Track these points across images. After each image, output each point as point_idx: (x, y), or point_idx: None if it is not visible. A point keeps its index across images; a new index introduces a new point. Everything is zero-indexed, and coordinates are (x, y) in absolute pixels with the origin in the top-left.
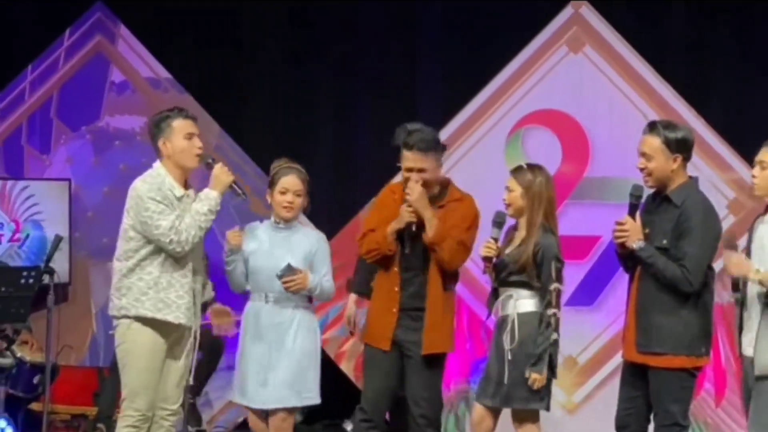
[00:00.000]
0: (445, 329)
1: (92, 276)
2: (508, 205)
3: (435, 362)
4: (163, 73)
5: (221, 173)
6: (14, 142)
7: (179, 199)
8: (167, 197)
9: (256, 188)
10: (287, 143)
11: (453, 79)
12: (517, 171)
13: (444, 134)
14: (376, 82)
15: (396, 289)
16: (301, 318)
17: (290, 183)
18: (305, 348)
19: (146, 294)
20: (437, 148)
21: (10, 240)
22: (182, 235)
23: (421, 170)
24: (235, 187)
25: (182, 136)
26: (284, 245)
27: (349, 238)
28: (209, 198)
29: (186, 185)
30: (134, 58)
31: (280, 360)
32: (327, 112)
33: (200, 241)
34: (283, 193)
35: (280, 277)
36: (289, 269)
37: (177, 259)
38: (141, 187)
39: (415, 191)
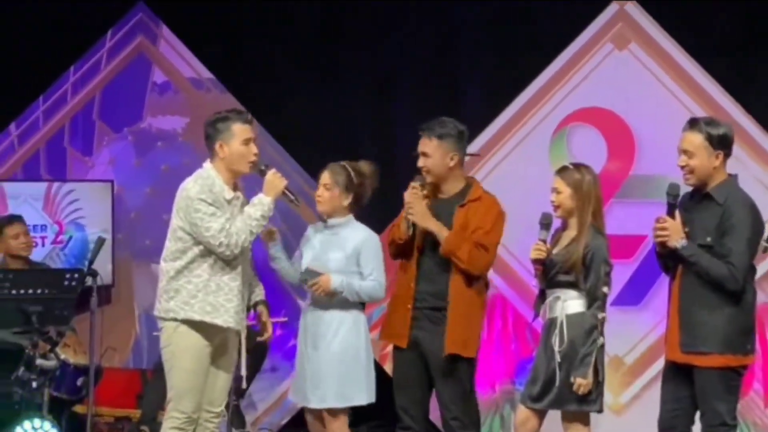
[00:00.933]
0: (469, 330)
1: (135, 278)
2: (556, 207)
3: (461, 363)
4: (205, 73)
5: (274, 179)
6: (57, 143)
7: (229, 201)
8: (218, 199)
9: (298, 190)
10: (329, 145)
11: (497, 78)
12: (563, 171)
13: (488, 133)
14: (418, 83)
15: (412, 284)
16: (346, 319)
17: (322, 177)
18: (351, 349)
19: (195, 297)
20: (447, 138)
21: (54, 242)
22: (233, 238)
23: (424, 154)
24: (288, 193)
25: (240, 141)
26: (334, 243)
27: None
28: (262, 203)
29: (235, 187)
30: (176, 59)
31: (327, 361)
32: (367, 113)
33: (249, 245)
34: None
35: (302, 281)
36: (309, 273)
37: (226, 262)
38: (191, 188)
39: (417, 208)
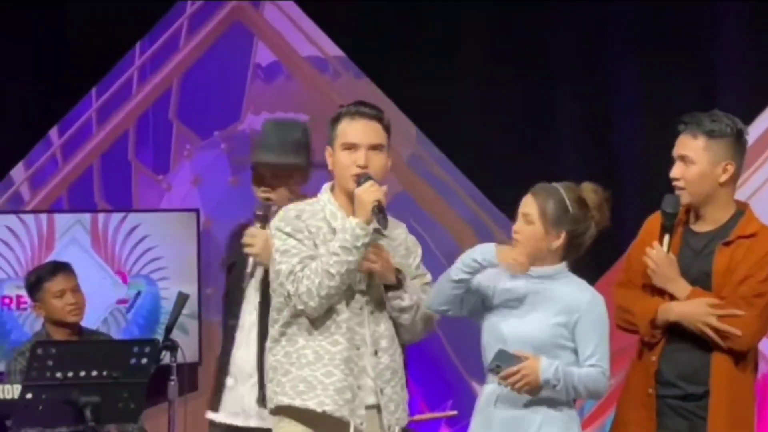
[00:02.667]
0: (738, 428)
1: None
2: None
3: None
4: (333, 49)
5: (363, 192)
6: (117, 156)
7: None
8: (303, 229)
9: (469, 216)
10: (516, 155)
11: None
12: None
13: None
14: (644, 70)
15: (654, 359)
16: (555, 420)
17: (522, 204)
18: None
19: (288, 373)
20: (721, 139)
21: (118, 302)
22: (301, 285)
23: (683, 158)
24: (378, 211)
25: (340, 146)
26: (536, 300)
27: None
28: (344, 229)
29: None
30: (290, 29)
31: None
32: (573, 107)
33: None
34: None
35: (491, 370)
36: (504, 357)
37: (322, 319)
38: (277, 215)
39: (663, 269)
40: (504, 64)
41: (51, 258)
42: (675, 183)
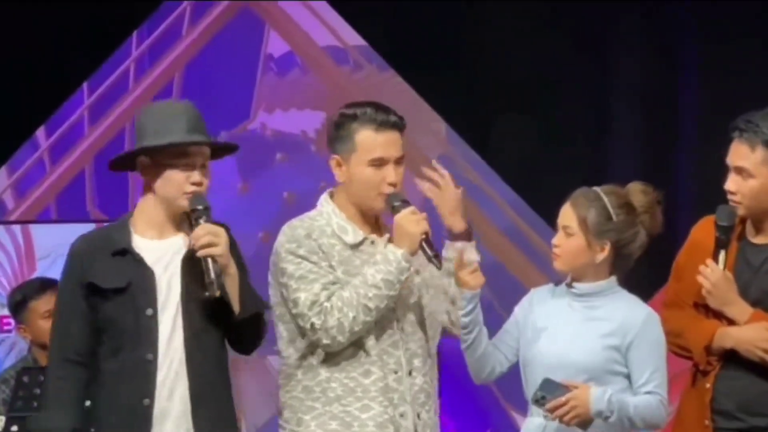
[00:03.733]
0: None
1: (242, 379)
2: None
3: None
4: (354, 38)
5: (407, 221)
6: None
7: (354, 247)
8: (316, 249)
9: (506, 225)
10: (561, 157)
11: None
12: None
13: None
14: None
15: (708, 386)
16: None
17: (561, 214)
18: None
19: (311, 410)
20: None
21: None
22: (330, 319)
23: (739, 171)
24: (425, 245)
25: (366, 162)
26: (585, 321)
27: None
28: (387, 260)
29: (378, 228)
30: (305, 16)
31: None
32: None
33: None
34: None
35: (535, 402)
36: (550, 387)
37: (352, 349)
38: (282, 235)
39: (721, 290)
40: (548, 51)
41: (37, 274)
42: (731, 197)
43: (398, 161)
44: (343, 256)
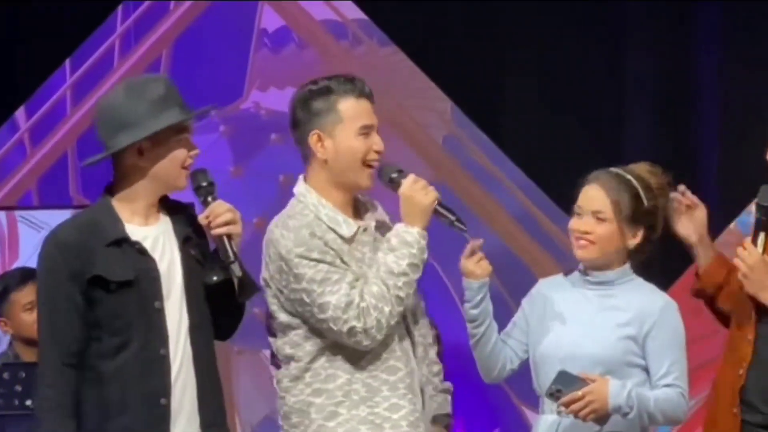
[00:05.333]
0: None
1: (235, 373)
2: None
3: None
4: (353, 11)
5: (414, 191)
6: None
7: (350, 240)
8: (324, 247)
9: (517, 210)
10: (576, 136)
11: None
12: None
13: None
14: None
15: (741, 372)
16: None
17: (584, 197)
18: None
19: (337, 416)
20: None
21: None
22: (369, 319)
23: None
24: (443, 211)
25: (354, 130)
26: (602, 310)
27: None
28: (406, 243)
29: (357, 210)
30: None
31: None
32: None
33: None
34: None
35: (550, 396)
36: (565, 380)
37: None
38: (281, 239)
39: (757, 274)
40: (560, 25)
41: (19, 264)
42: None
43: (377, 131)
44: (344, 250)
